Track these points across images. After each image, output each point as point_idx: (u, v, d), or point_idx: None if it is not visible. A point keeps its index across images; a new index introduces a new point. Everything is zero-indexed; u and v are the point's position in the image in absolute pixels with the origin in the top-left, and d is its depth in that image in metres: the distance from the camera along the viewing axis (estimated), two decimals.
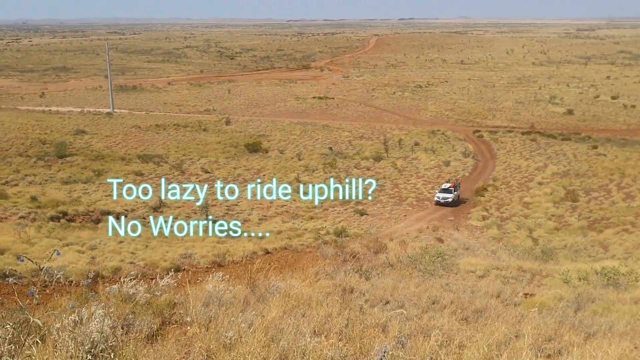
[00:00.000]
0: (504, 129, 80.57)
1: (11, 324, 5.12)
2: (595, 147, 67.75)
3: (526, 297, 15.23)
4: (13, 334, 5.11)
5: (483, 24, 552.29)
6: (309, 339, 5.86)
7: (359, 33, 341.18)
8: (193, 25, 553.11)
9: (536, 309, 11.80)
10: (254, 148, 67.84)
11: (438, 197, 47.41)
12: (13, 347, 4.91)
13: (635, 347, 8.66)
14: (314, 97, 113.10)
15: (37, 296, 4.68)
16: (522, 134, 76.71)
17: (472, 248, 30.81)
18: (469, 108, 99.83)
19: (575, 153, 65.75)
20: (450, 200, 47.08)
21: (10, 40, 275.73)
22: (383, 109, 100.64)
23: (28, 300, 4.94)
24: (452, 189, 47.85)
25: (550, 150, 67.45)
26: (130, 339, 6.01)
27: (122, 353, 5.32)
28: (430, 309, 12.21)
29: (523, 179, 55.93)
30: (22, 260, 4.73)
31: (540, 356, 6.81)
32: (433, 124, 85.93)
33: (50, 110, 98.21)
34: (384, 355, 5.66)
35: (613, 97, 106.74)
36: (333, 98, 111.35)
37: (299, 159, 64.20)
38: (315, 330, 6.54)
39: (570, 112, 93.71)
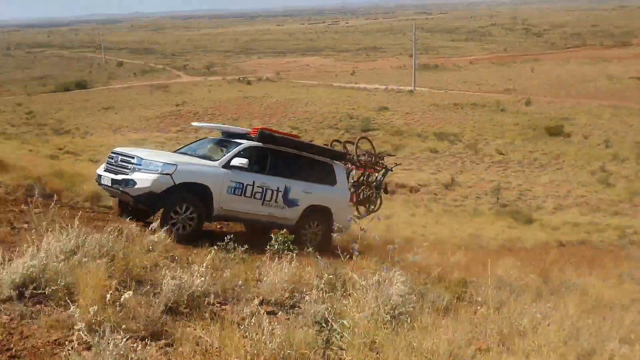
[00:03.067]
0: None
1: (327, 274, 5.92)
2: None
3: None
4: (328, 284, 5.89)
5: None
6: (617, 344, 5.36)
7: None
8: (499, 3, 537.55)
9: None
10: (554, 131, 63.42)
11: None
12: (328, 296, 5.66)
13: None
14: (631, 78, 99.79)
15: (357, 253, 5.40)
16: None
17: None
18: None
19: None
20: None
21: (331, 23, 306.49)
22: None
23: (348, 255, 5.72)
24: None
25: None
26: (423, 308, 6.32)
27: (420, 319, 5.63)
28: None
29: None
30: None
31: None
32: None
33: (358, 87, 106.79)
34: None
35: None
36: None
37: (607, 147, 57.92)
38: (621, 338, 5.95)
39: None
